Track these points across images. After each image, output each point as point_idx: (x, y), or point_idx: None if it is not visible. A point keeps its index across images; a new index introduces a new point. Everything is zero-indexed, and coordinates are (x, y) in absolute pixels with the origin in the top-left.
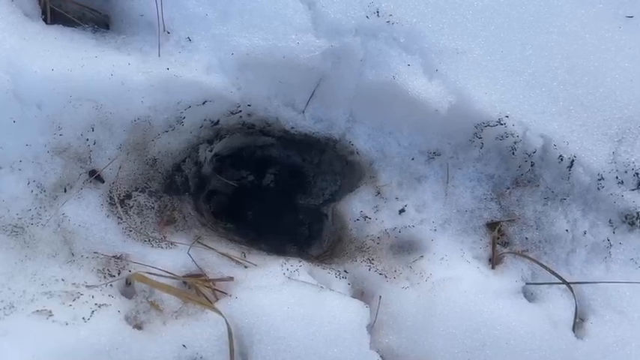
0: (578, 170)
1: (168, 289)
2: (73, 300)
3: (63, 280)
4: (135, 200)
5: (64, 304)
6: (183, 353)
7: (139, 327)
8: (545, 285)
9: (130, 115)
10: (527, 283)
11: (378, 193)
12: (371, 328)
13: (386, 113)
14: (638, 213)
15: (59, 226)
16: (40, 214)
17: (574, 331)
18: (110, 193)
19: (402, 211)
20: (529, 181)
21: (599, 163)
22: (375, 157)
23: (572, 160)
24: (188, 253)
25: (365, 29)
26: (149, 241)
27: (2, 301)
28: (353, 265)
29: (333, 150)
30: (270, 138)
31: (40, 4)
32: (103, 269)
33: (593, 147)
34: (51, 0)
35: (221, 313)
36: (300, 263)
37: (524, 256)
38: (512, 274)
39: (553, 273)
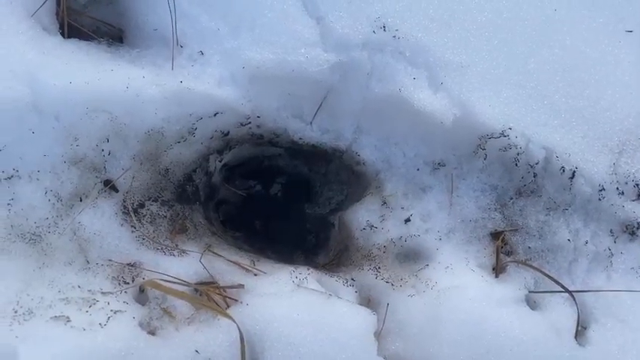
0: (579, 181)
1: (180, 295)
2: (90, 306)
3: (79, 286)
4: (148, 209)
5: (80, 310)
6: (196, 358)
7: (152, 333)
8: (548, 293)
9: (143, 127)
10: (530, 292)
11: (384, 202)
12: (378, 335)
13: (392, 125)
14: (638, 223)
15: (75, 234)
16: (56, 223)
17: (576, 339)
18: (124, 202)
19: (407, 220)
20: (532, 192)
21: (600, 174)
22: (381, 167)
23: (574, 171)
24: (200, 261)
25: (372, 44)
26: (162, 249)
27: (21, 307)
28: (360, 273)
29: (339, 160)
30: (279, 148)
31: (57, 19)
32: (118, 276)
33: (594, 158)
34: (68, 14)
35: (233, 319)
36: (309, 271)
37: (528, 265)
38: (516, 282)
39: (556, 282)
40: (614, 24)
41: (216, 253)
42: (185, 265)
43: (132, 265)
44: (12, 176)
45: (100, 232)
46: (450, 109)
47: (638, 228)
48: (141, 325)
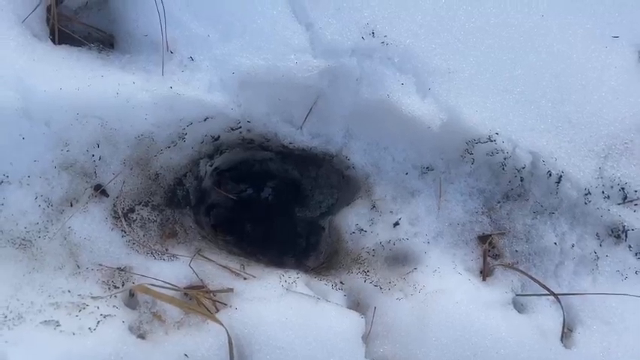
0: (566, 185)
1: (170, 300)
2: (79, 311)
3: (69, 291)
4: (138, 214)
5: (70, 314)
6: None
7: (142, 337)
8: (535, 296)
9: (134, 132)
10: (517, 295)
11: (374, 206)
12: (366, 338)
13: (381, 129)
14: (623, 227)
15: (65, 239)
16: (47, 228)
17: (562, 342)
18: (114, 207)
19: (396, 224)
20: (519, 196)
21: (586, 178)
22: (370, 171)
23: (560, 176)
24: (190, 265)
25: (361, 50)
26: (152, 253)
27: (11, 312)
28: (349, 276)
29: (330, 164)
30: (269, 153)
31: (48, 25)
32: (108, 281)
33: (581, 163)
34: (59, 21)
35: (222, 323)
36: (298, 275)
37: (514, 269)
38: (503, 285)
39: (542, 285)
40: (601, 30)
41: (206, 257)
42: (175, 269)
43: (122, 270)
44: (2, 182)
45: (90, 236)
46: (438, 114)
47: (623, 232)
48: (130, 329)
